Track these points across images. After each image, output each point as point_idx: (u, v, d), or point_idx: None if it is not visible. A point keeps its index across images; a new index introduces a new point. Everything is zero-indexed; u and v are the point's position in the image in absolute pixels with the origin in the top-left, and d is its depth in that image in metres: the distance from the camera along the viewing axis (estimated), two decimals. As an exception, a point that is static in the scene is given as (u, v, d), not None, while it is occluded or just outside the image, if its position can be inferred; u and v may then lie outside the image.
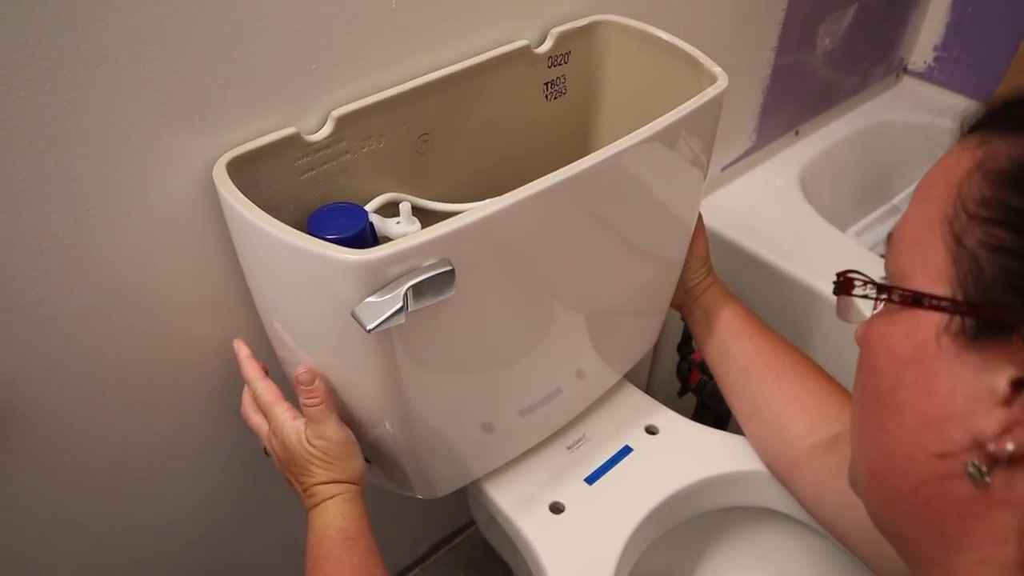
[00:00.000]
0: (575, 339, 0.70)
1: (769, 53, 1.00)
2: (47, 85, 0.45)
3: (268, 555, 0.89)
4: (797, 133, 1.17)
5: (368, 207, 0.61)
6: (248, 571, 0.89)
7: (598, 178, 0.57)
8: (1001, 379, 0.32)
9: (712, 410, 0.98)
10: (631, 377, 0.86)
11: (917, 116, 1.25)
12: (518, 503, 0.74)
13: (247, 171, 0.54)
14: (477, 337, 0.59)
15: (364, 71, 0.60)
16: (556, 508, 0.73)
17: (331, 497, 0.58)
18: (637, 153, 0.58)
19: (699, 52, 0.66)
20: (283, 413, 0.58)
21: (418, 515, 1.07)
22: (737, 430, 0.80)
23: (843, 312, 0.44)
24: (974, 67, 1.24)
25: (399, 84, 0.61)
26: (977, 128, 0.38)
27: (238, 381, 0.69)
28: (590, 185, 0.57)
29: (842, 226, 1.11)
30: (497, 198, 0.52)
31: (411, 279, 0.48)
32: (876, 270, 1.04)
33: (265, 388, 0.60)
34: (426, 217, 0.62)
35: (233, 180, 0.52)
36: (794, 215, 1.05)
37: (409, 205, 0.60)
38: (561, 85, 0.72)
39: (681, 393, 0.99)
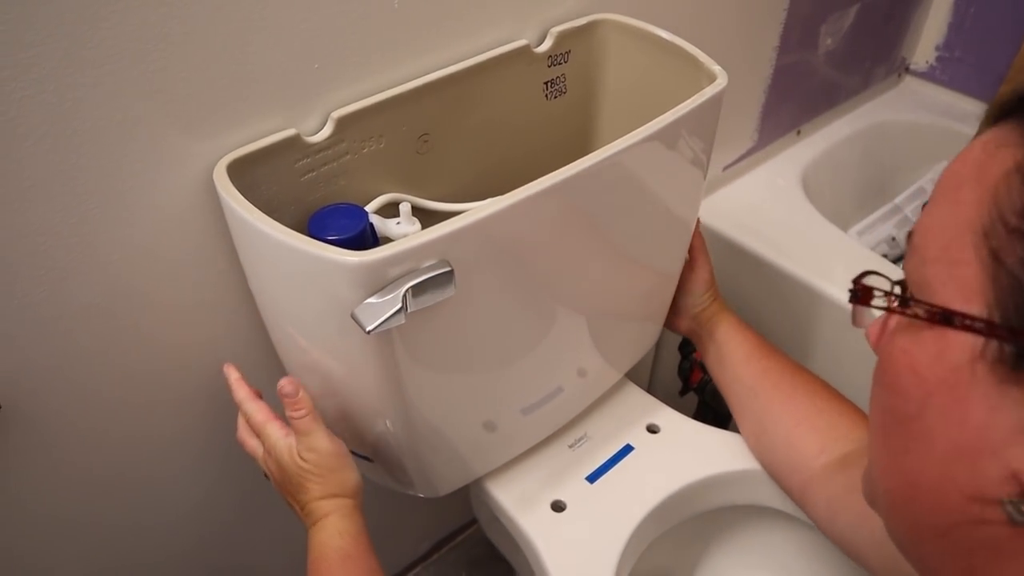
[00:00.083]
0: (576, 338, 0.70)
1: (771, 53, 1.00)
2: (52, 84, 0.46)
3: (270, 555, 0.89)
4: (799, 133, 1.17)
5: (368, 208, 0.61)
6: (250, 571, 0.89)
7: (598, 177, 0.57)
8: None
9: (713, 409, 0.98)
10: (632, 376, 0.86)
11: (919, 116, 1.25)
12: (519, 501, 0.74)
13: (248, 173, 0.54)
14: (478, 337, 0.59)
15: (365, 71, 0.60)
16: (557, 506, 0.73)
17: (328, 514, 0.57)
18: (637, 152, 0.58)
19: (699, 51, 0.66)
20: (275, 431, 0.58)
21: (420, 514, 1.07)
22: (738, 429, 0.80)
23: (859, 320, 0.40)
24: (976, 67, 1.24)
25: (399, 84, 0.61)
26: (1010, 116, 0.33)
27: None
28: (590, 185, 0.57)
29: (844, 226, 1.11)
30: (497, 198, 0.52)
31: (410, 280, 0.48)
32: (877, 270, 1.03)
33: (255, 408, 0.59)
34: (426, 217, 0.62)
35: (234, 182, 0.53)
36: (796, 215, 1.05)
37: (409, 205, 0.60)
38: (561, 84, 0.72)
39: (683, 392, 0.99)
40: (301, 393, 0.56)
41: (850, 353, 0.93)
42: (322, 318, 0.53)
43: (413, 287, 0.47)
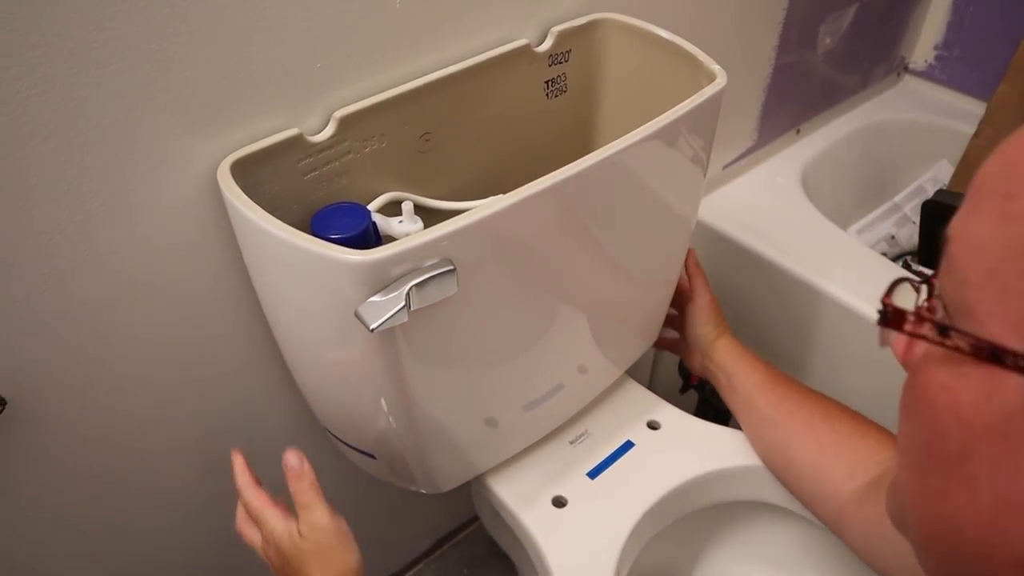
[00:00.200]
0: (577, 336, 0.71)
1: (770, 52, 1.01)
2: (57, 83, 0.46)
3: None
4: (798, 132, 1.17)
5: (371, 206, 0.62)
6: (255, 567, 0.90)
7: (599, 176, 0.57)
8: None
9: (714, 407, 0.98)
10: (633, 373, 0.86)
11: (918, 115, 1.26)
12: (521, 497, 0.74)
13: (251, 172, 0.55)
14: (480, 334, 0.60)
15: (367, 71, 0.60)
16: (559, 502, 0.74)
17: None
18: (638, 151, 0.59)
19: (698, 50, 0.66)
20: (273, 516, 0.57)
21: (422, 511, 1.08)
22: (738, 425, 0.81)
23: (887, 340, 0.36)
24: (975, 66, 1.24)
25: (401, 84, 0.61)
26: None
27: (243, 381, 0.70)
28: (591, 183, 0.57)
29: (843, 224, 1.12)
30: (498, 197, 0.52)
31: (413, 279, 0.48)
32: (877, 269, 1.05)
33: (254, 495, 0.59)
34: (429, 216, 0.62)
35: (237, 181, 0.53)
36: (795, 213, 1.05)
37: (411, 204, 0.60)
38: (562, 83, 0.73)
39: (683, 390, 0.99)
40: (305, 466, 0.56)
41: (850, 351, 0.94)
42: (325, 316, 0.53)
43: (416, 285, 0.48)
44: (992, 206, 0.28)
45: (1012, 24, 1.15)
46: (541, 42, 0.70)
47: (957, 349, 0.29)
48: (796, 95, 1.11)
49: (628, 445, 0.79)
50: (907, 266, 1.09)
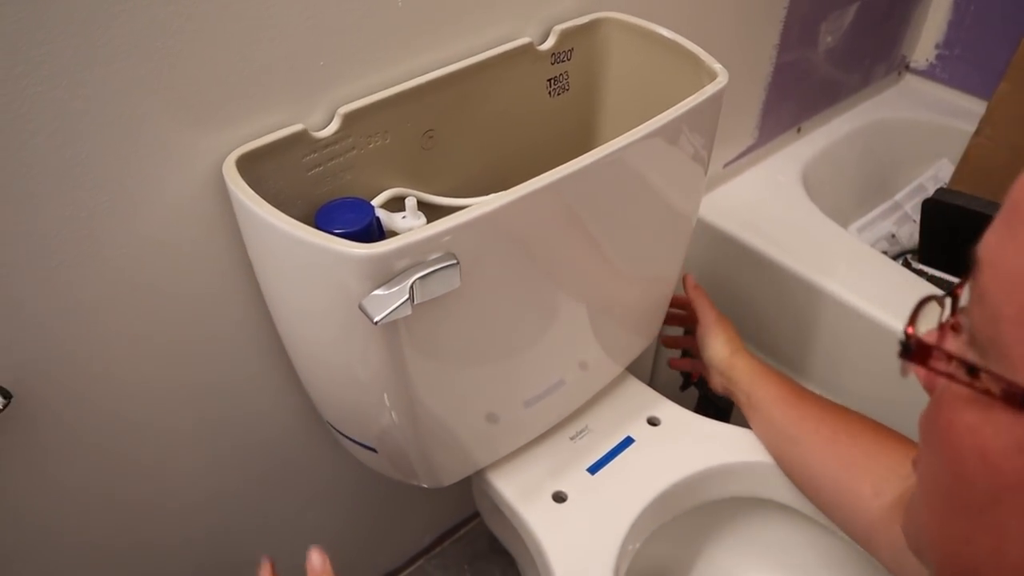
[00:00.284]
0: (578, 331, 0.71)
1: (771, 51, 1.01)
2: (64, 80, 0.47)
3: (277, 552, 0.90)
4: (799, 130, 1.18)
5: (374, 202, 0.62)
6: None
7: (600, 173, 0.58)
8: None
9: (714, 404, 0.99)
10: (634, 370, 0.87)
11: (919, 114, 1.26)
12: (521, 492, 0.75)
13: (256, 167, 0.55)
14: (482, 329, 0.60)
15: (371, 68, 0.61)
16: (559, 497, 0.74)
17: None
18: (639, 149, 0.59)
19: (700, 49, 0.67)
20: None
21: (423, 507, 1.08)
22: (738, 422, 0.81)
23: (908, 369, 0.33)
24: (976, 65, 1.24)
25: (405, 81, 0.62)
26: None
27: (246, 377, 0.71)
28: (592, 180, 0.58)
29: (844, 223, 1.12)
30: (500, 193, 0.53)
31: (417, 272, 0.49)
32: (878, 267, 1.04)
33: None
34: (432, 212, 0.63)
35: (242, 176, 0.53)
36: (796, 211, 1.06)
37: (415, 200, 0.61)
38: (564, 82, 0.73)
39: (684, 387, 0.99)
40: (327, 565, 0.56)
41: (850, 349, 0.94)
42: (330, 310, 0.54)
43: (420, 279, 0.48)
44: None
45: (1013, 23, 1.15)
46: (544, 40, 0.70)
47: (987, 392, 0.26)
48: (797, 93, 1.11)
49: (628, 441, 0.79)
50: (907, 264, 1.09)
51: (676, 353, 0.94)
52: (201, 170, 0.56)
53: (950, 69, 1.28)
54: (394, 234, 0.57)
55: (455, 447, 0.70)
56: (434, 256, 0.50)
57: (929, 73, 1.31)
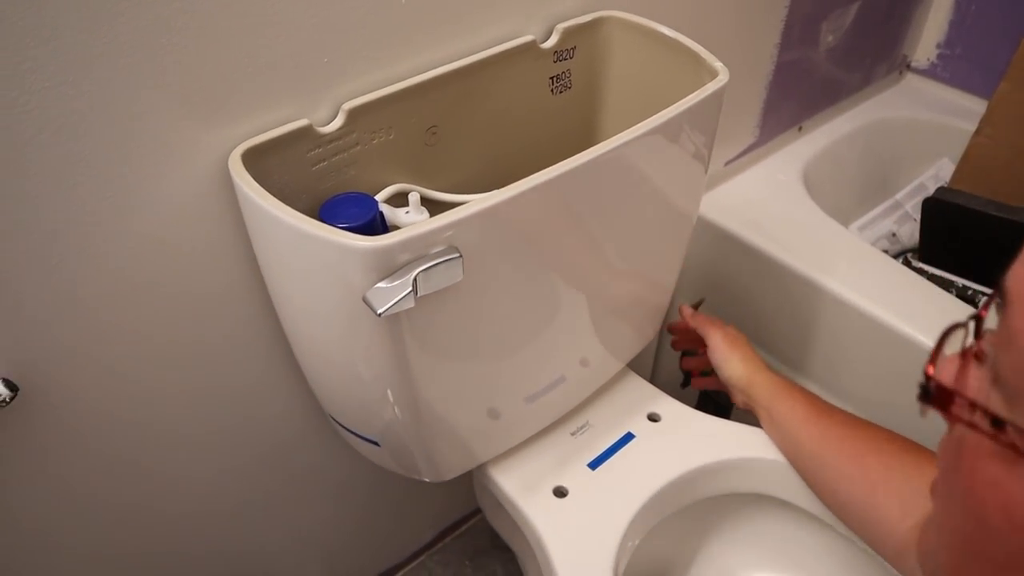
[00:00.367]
0: (579, 328, 0.72)
1: (772, 50, 1.01)
2: (70, 77, 0.47)
3: (281, 548, 0.91)
4: (800, 129, 1.18)
5: (378, 197, 0.63)
6: (260, 559, 0.91)
7: (601, 170, 0.58)
8: None
9: (714, 400, 0.99)
10: (636, 368, 0.87)
11: (920, 113, 1.26)
12: (522, 487, 0.75)
13: (261, 162, 0.56)
14: (484, 324, 0.61)
15: (374, 65, 0.61)
16: (560, 492, 0.75)
17: None
18: (639, 146, 0.60)
19: (701, 47, 0.67)
20: None
21: (424, 503, 1.09)
22: (738, 418, 0.82)
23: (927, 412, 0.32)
24: (978, 64, 1.25)
25: (408, 78, 0.62)
26: None
27: (249, 371, 0.71)
28: (593, 177, 0.58)
29: (845, 221, 1.13)
30: (503, 188, 0.54)
31: (420, 265, 0.49)
32: (879, 266, 1.04)
33: None
34: (434, 208, 0.63)
35: (248, 170, 0.54)
36: (797, 210, 1.06)
37: (418, 195, 0.61)
38: (566, 80, 0.74)
39: (684, 384, 1.00)
40: None
41: (851, 348, 0.94)
42: (334, 303, 0.54)
43: (423, 272, 0.49)
44: None
45: (1014, 22, 1.16)
46: (546, 39, 0.70)
47: (1013, 447, 0.24)
48: (798, 93, 1.12)
49: (628, 437, 0.80)
50: (908, 263, 1.10)
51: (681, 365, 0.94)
52: (206, 166, 0.56)
53: (951, 68, 1.29)
54: (397, 229, 0.57)
55: (457, 441, 0.70)
56: (437, 249, 0.50)
57: (930, 72, 1.31)
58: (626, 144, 0.58)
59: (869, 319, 0.89)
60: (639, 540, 0.75)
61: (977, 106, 1.14)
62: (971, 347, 0.28)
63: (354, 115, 0.60)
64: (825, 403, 0.75)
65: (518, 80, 0.69)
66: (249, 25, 0.53)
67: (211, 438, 0.73)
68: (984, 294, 0.98)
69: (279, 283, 0.60)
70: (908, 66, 1.32)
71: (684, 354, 0.96)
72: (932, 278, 1.01)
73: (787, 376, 0.79)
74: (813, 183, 1.12)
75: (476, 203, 0.52)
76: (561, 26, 0.70)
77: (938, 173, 1.28)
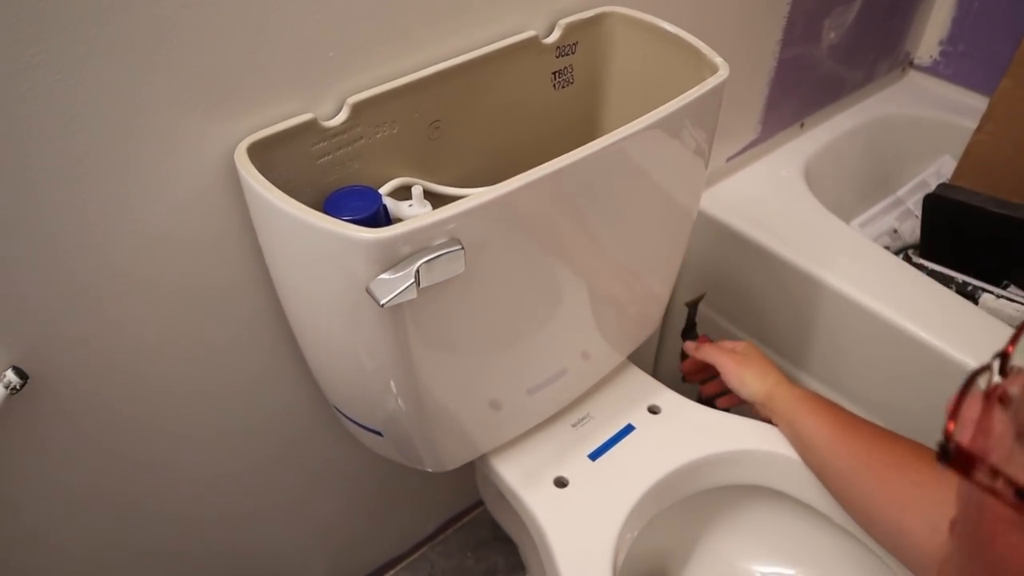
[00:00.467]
0: (580, 321, 0.72)
1: (774, 46, 1.02)
2: (77, 72, 0.48)
3: (287, 542, 0.92)
4: (802, 125, 1.18)
5: (382, 190, 0.63)
6: (261, 555, 0.91)
7: (601, 164, 0.59)
8: None
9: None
10: (638, 361, 0.88)
11: (922, 110, 1.27)
12: (524, 477, 0.76)
13: (266, 155, 0.57)
14: (486, 316, 0.61)
15: (379, 59, 0.62)
16: (560, 483, 0.76)
17: None
18: (639, 140, 0.60)
19: (702, 43, 0.68)
20: None
21: (426, 495, 1.10)
22: (738, 412, 0.82)
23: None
24: (980, 62, 1.25)
25: (412, 73, 0.63)
26: None
27: (254, 362, 0.72)
28: (593, 170, 0.59)
29: (846, 218, 1.13)
30: (505, 181, 0.54)
31: (422, 257, 0.50)
32: (880, 262, 1.04)
33: None
34: (437, 201, 0.64)
35: (253, 163, 0.55)
36: (798, 206, 1.06)
37: (421, 189, 0.62)
38: (569, 75, 0.74)
39: (685, 379, 1.01)
40: None
41: (852, 344, 0.95)
42: (338, 294, 0.55)
43: (425, 263, 0.50)
44: None
45: (1016, 19, 1.16)
46: (549, 34, 0.71)
47: None
48: (800, 89, 1.12)
49: (629, 428, 0.80)
50: (908, 259, 1.10)
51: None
52: (212, 159, 0.57)
53: (954, 65, 1.29)
54: (401, 222, 0.58)
55: (459, 432, 0.71)
56: (439, 242, 0.51)
57: (933, 69, 1.31)
58: (627, 138, 0.59)
59: (870, 315, 0.90)
60: (639, 531, 0.76)
61: (979, 103, 1.14)
62: (995, 388, 0.26)
63: (358, 109, 0.60)
64: (849, 416, 0.74)
65: (521, 75, 0.70)
66: (254, 20, 0.54)
67: (210, 426, 0.73)
68: (984, 289, 0.99)
69: (284, 275, 0.61)
70: (911, 63, 1.32)
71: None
72: (933, 274, 1.02)
73: (787, 375, 0.80)
74: (815, 179, 1.12)
75: (478, 196, 0.52)
76: (563, 21, 0.71)
77: (940, 170, 1.28)
